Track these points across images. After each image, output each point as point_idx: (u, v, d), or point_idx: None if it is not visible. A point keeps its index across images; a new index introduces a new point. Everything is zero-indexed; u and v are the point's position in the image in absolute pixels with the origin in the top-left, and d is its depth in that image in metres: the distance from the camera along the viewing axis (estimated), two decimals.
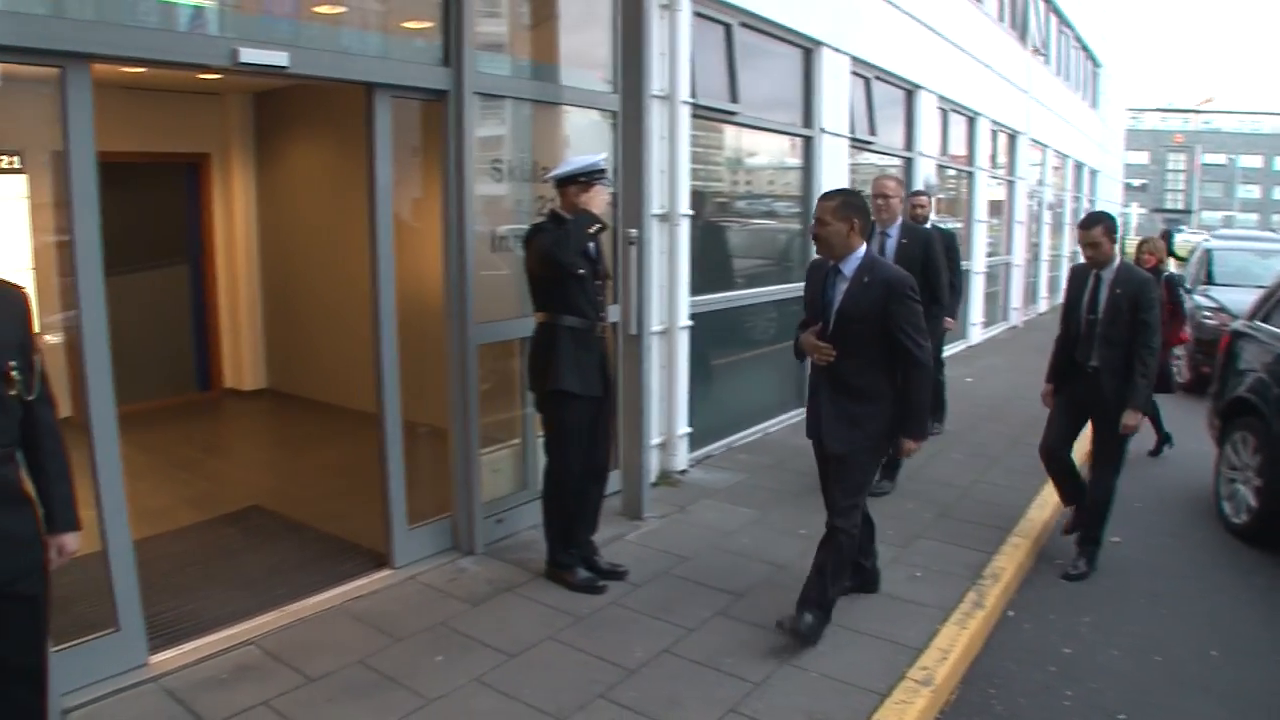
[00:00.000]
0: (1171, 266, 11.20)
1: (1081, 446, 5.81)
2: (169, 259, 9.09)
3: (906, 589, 4.91)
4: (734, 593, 4.85)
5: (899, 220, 6.53)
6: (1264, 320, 6.69)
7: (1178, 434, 8.16)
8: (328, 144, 8.48)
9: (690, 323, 6.98)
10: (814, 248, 4.32)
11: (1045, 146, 19.46)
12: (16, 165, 5.90)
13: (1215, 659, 4.52)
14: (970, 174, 14.48)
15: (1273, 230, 40.22)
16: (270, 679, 3.90)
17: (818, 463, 4.49)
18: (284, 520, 5.87)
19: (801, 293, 4.50)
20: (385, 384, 4.89)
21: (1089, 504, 5.44)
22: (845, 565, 4.35)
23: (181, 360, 9.30)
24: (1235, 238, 16.37)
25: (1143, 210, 48.26)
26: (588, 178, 4.65)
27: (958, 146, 14.01)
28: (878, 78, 10.51)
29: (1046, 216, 20.14)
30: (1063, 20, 20.57)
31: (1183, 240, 16.51)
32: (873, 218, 6.24)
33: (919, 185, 10.82)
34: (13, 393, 2.61)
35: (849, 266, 4.14)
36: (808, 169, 8.97)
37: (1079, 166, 24.35)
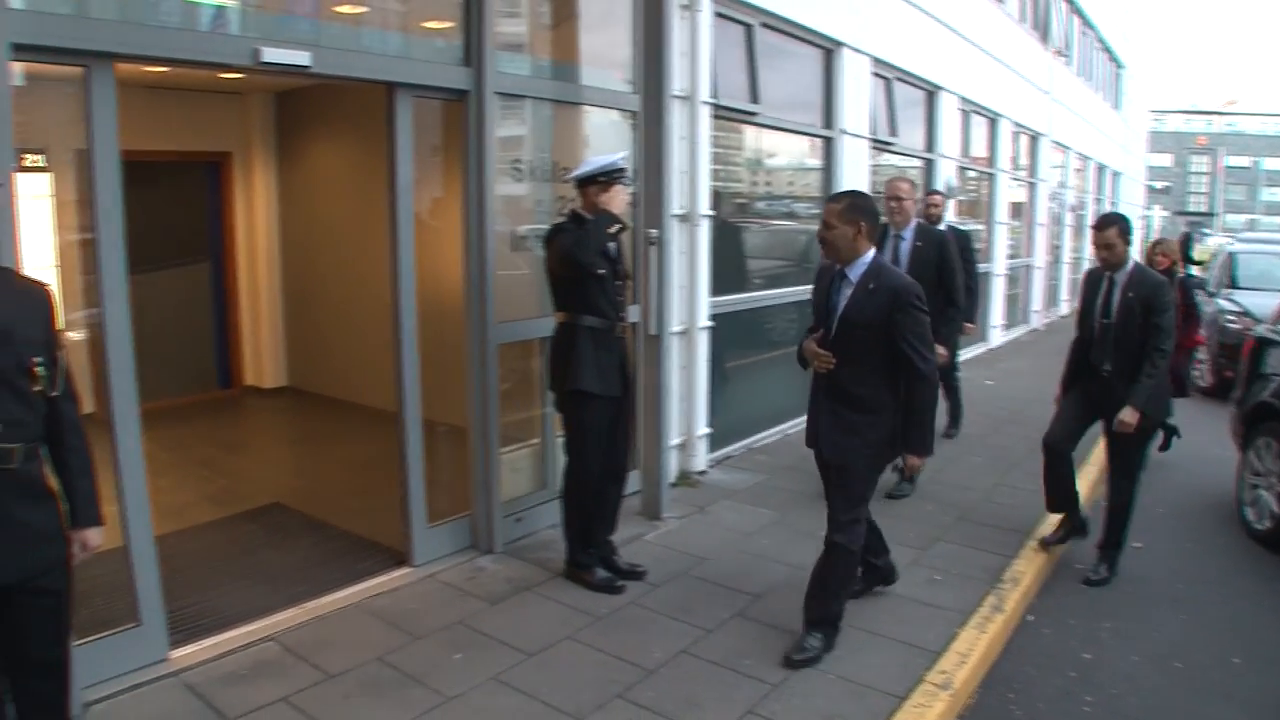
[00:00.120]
0: (1195, 271, 11.11)
1: (1092, 450, 5.73)
2: (191, 257, 9.17)
3: (925, 592, 4.89)
4: (753, 594, 4.84)
5: (913, 223, 6.47)
6: None
7: (1200, 439, 8.10)
8: (348, 143, 8.52)
9: (710, 323, 6.97)
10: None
11: (1067, 148, 19.35)
12: (41, 163, 5.97)
13: (1237, 666, 4.48)
14: (991, 176, 14.41)
15: None
16: (290, 675, 3.92)
17: (820, 471, 4.40)
18: (304, 518, 5.90)
19: None
20: (406, 382, 4.91)
21: (1108, 510, 5.37)
22: (847, 580, 4.28)
23: (203, 358, 9.37)
24: (1259, 241, 16.21)
25: (1165, 213, 47.89)
26: (608, 177, 4.64)
27: (979, 148, 13.95)
28: (899, 78, 10.48)
29: (1068, 219, 20.01)
30: (1085, 21, 20.45)
31: (1215, 244, 16.23)
32: (886, 220, 6.22)
33: (939, 187, 10.77)
34: (37, 388, 2.64)
35: (855, 271, 4.01)
36: (828, 170, 8.95)
37: (1101, 168, 24.20)
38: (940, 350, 6.21)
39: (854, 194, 4.20)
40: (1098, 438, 5.69)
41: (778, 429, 8.15)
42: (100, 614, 3.88)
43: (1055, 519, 5.62)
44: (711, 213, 6.91)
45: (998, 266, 14.48)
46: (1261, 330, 7.05)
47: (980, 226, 14.02)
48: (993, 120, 14.19)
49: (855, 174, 9.05)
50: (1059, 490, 5.48)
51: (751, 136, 8.14)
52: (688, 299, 6.70)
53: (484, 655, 4.12)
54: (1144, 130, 35.98)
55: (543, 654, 4.16)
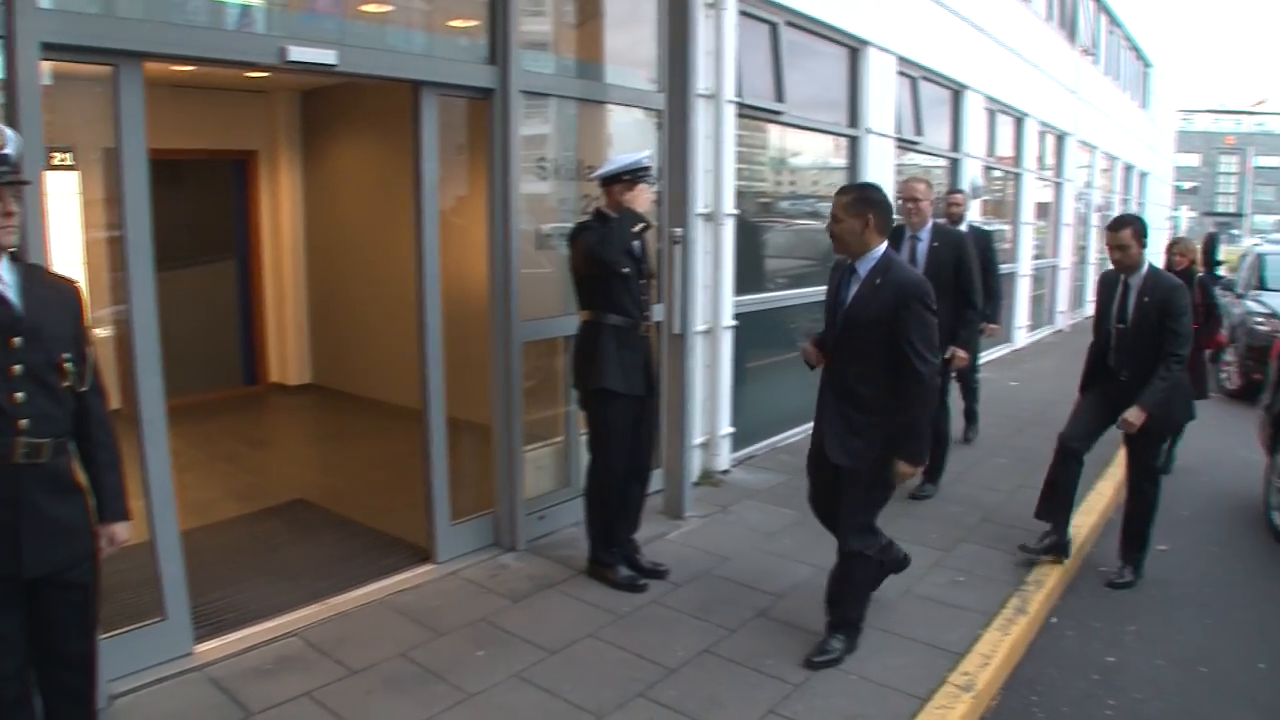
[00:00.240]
0: (1221, 272, 11.01)
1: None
2: (217, 255, 9.24)
3: (949, 593, 4.86)
4: (775, 594, 4.82)
5: (930, 223, 6.34)
6: None
7: (1226, 442, 8.02)
8: (373, 141, 8.56)
9: (734, 322, 6.96)
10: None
11: (1094, 148, 19.18)
12: (69, 162, 6.02)
13: (1262, 671, 4.43)
14: (1017, 175, 14.31)
15: None
16: (313, 670, 3.94)
17: (809, 474, 4.30)
18: (328, 514, 5.93)
19: None
20: (430, 380, 4.92)
21: (1131, 513, 5.28)
22: (867, 585, 4.23)
23: (228, 355, 9.44)
24: None
25: (1193, 213, 47.47)
26: (632, 176, 4.64)
27: (1005, 147, 13.85)
28: (924, 77, 10.43)
29: (1094, 219, 19.85)
30: (1112, 19, 20.27)
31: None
32: (902, 221, 6.14)
33: (964, 186, 10.71)
34: (66, 384, 2.67)
35: (864, 266, 3.93)
36: (853, 169, 8.91)
37: (1128, 168, 23.97)
38: (960, 353, 6.18)
39: (864, 186, 4.13)
40: (1118, 445, 5.61)
41: (801, 429, 8.09)
42: (126, 608, 3.91)
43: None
44: (736, 212, 6.90)
45: (1023, 267, 14.38)
46: None
47: (1005, 226, 13.93)
48: (1019, 119, 14.09)
49: (880, 173, 8.99)
50: (1056, 494, 5.26)
51: (776, 135, 8.12)
52: (712, 298, 6.69)
53: (506, 652, 4.13)
54: (1172, 130, 35.64)
55: (564, 651, 4.16)
